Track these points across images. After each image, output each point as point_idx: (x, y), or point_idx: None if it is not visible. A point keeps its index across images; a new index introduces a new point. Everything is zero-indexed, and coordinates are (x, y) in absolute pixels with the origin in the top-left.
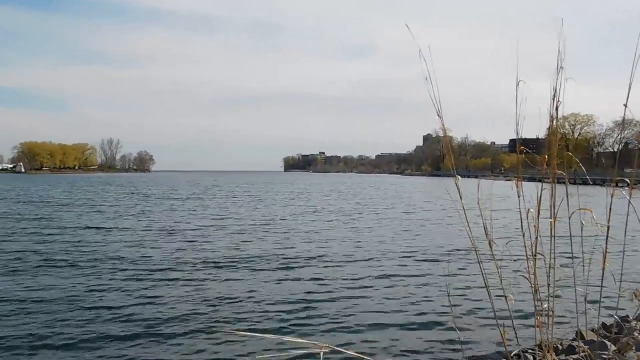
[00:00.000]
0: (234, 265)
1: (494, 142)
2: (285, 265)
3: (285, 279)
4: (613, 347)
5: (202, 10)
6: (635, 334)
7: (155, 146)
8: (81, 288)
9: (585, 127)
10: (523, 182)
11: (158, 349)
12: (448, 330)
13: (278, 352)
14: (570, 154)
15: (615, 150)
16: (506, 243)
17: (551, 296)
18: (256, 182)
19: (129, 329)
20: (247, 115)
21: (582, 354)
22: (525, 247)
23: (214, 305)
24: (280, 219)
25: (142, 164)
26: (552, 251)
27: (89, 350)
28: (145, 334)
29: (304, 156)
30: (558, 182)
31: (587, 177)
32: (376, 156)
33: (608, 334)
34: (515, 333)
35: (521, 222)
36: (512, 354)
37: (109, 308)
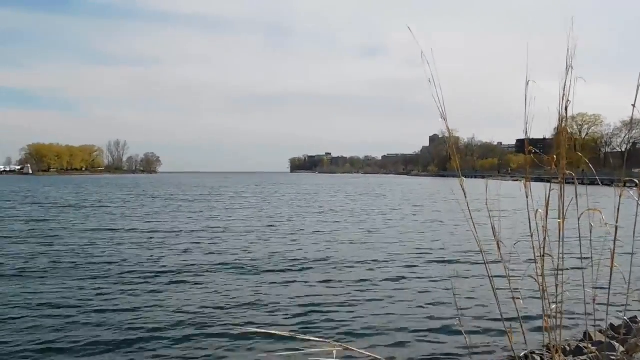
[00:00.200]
0: (243, 267)
1: (501, 143)
2: (292, 267)
3: (294, 281)
4: (621, 349)
5: (212, 11)
6: None
7: (162, 147)
8: (90, 290)
9: (592, 127)
10: (531, 183)
11: (168, 350)
12: (455, 332)
13: (290, 350)
14: (579, 154)
15: (623, 150)
16: (514, 244)
17: (559, 297)
18: (263, 183)
19: (139, 331)
20: (253, 117)
21: (590, 355)
22: (533, 248)
23: (224, 307)
24: (288, 220)
25: (148, 165)
26: (561, 252)
27: (99, 353)
28: (155, 334)
29: (311, 157)
30: (566, 183)
31: (597, 177)
32: (383, 157)
33: (616, 335)
34: (524, 334)
35: (529, 223)
36: (520, 355)
37: (118, 310)
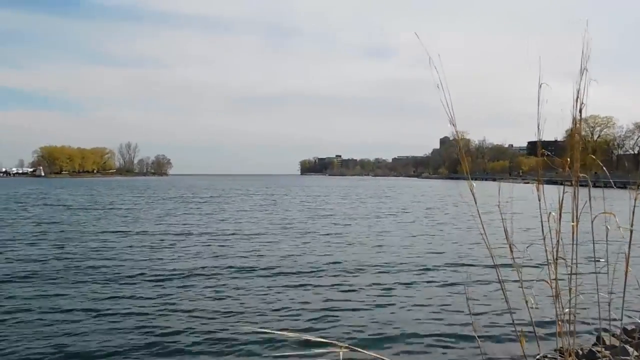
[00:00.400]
0: (253, 270)
1: (512, 145)
2: (303, 270)
3: (304, 284)
4: (635, 353)
5: (217, 12)
6: None
7: (172, 150)
8: (101, 294)
9: (604, 129)
10: (544, 185)
11: (180, 352)
12: (467, 335)
13: (297, 351)
14: (592, 157)
15: (636, 152)
16: (527, 247)
17: (572, 301)
18: (273, 185)
19: (151, 334)
20: (263, 119)
21: (604, 359)
22: (546, 251)
23: (234, 309)
24: (299, 222)
25: (159, 167)
26: (574, 256)
27: (111, 356)
28: (166, 337)
29: (321, 159)
30: (579, 185)
31: (610, 180)
32: (393, 159)
33: (630, 339)
34: (537, 338)
35: (542, 226)
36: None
37: (130, 313)
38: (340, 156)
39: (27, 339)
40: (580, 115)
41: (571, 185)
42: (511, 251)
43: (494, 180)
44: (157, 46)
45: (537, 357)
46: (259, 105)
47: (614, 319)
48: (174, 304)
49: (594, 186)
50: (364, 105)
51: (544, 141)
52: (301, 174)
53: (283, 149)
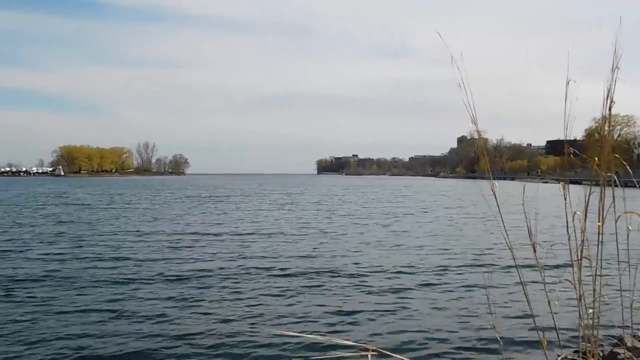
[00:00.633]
0: (271, 269)
1: (530, 144)
2: (322, 271)
3: (323, 285)
4: None
5: (234, 13)
6: None
7: (190, 149)
8: (120, 293)
9: (625, 128)
10: (568, 185)
11: (199, 355)
12: (489, 336)
13: (324, 354)
14: (616, 155)
15: None
16: (551, 246)
17: (596, 302)
18: (290, 184)
19: (167, 337)
20: (280, 119)
21: None
22: (570, 251)
23: (254, 310)
24: (316, 222)
25: (177, 167)
26: (599, 256)
27: (130, 357)
28: (184, 338)
29: (337, 159)
30: (599, 185)
31: (633, 179)
32: (410, 158)
33: None
34: (559, 339)
35: (567, 225)
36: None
37: (149, 313)
38: (356, 155)
39: (45, 339)
40: (610, 113)
41: (594, 184)
42: (534, 251)
43: (512, 179)
44: (178, 47)
45: (559, 358)
46: (277, 105)
47: (637, 324)
48: (193, 305)
49: (617, 186)
50: (381, 105)
51: (564, 140)
52: (317, 174)
53: (299, 149)
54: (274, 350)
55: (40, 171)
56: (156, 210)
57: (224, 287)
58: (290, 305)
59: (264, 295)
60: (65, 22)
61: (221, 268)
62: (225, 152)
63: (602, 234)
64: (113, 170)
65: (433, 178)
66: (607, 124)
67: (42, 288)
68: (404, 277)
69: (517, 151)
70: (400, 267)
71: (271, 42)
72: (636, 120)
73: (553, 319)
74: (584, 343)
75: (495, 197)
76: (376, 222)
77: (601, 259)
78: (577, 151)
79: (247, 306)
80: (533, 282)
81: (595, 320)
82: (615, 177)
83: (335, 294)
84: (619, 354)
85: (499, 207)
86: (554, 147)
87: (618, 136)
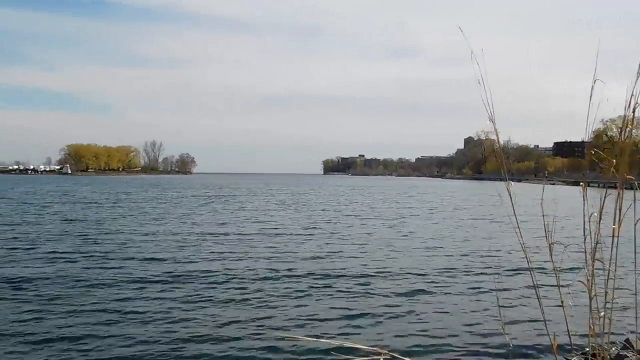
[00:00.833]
0: (278, 271)
1: (538, 145)
2: (329, 273)
3: (330, 287)
4: None
5: (239, 13)
6: None
7: (196, 148)
8: (126, 294)
9: (634, 130)
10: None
11: (208, 355)
12: (499, 340)
13: (336, 356)
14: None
15: None
16: (566, 246)
17: (608, 304)
18: (296, 184)
19: (176, 336)
20: (286, 119)
21: None
22: (585, 252)
23: (261, 312)
24: (323, 223)
25: (183, 166)
26: (614, 258)
27: (136, 358)
28: (193, 341)
29: (344, 159)
30: (611, 187)
31: None
32: (416, 159)
33: None
34: (570, 340)
35: (583, 226)
36: None
37: (155, 314)
38: (363, 156)
39: (51, 339)
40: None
41: (611, 187)
42: (550, 252)
43: (519, 181)
44: (184, 47)
45: None
46: (283, 105)
47: None
48: (200, 306)
49: (629, 188)
50: (381, 105)
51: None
52: (324, 174)
53: (306, 149)
54: (284, 355)
55: (47, 169)
56: (162, 209)
57: (231, 287)
58: (297, 306)
59: (271, 296)
60: (69, 21)
61: (228, 268)
62: (231, 151)
63: (617, 236)
64: (120, 169)
65: (440, 179)
66: (629, 125)
67: (48, 287)
68: (412, 279)
69: (525, 152)
70: (409, 269)
71: (271, 42)
72: None
73: (566, 321)
74: (593, 345)
75: (511, 198)
76: (383, 222)
77: (615, 261)
78: (599, 152)
79: (254, 308)
80: (544, 285)
81: (608, 323)
82: (634, 179)
83: (343, 296)
84: (627, 356)
85: (513, 208)
86: (562, 148)
87: (626, 138)
